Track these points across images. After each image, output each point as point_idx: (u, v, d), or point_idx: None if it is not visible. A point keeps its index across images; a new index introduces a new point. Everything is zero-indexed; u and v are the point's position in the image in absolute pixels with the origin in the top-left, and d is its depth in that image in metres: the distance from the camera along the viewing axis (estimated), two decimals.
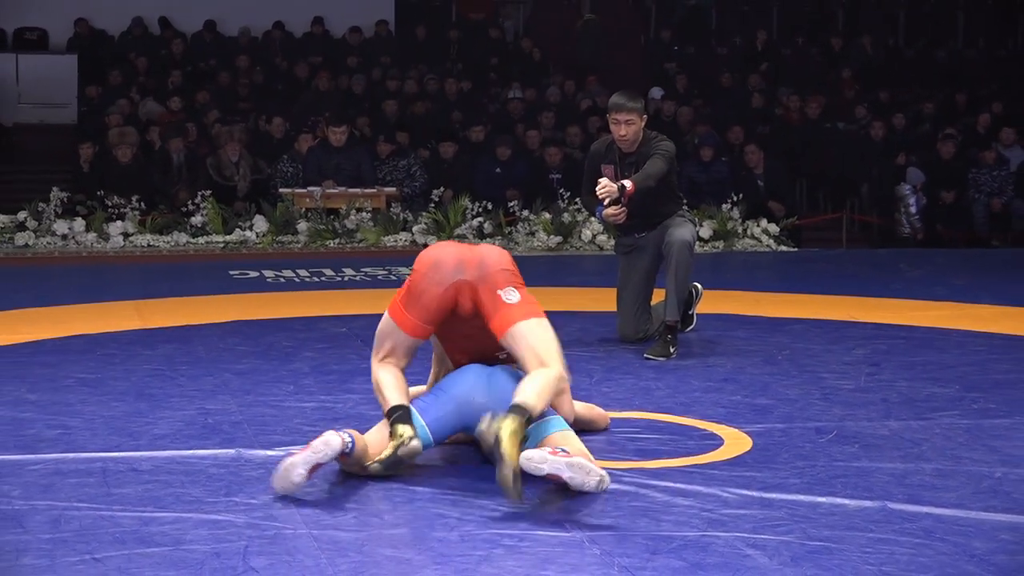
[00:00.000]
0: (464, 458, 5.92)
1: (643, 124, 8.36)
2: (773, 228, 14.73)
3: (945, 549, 4.82)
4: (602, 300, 10.22)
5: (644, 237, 8.52)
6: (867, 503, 5.31)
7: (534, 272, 12.15)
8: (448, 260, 5.88)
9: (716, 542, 4.86)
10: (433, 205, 14.73)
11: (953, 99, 20.21)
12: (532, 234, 14.40)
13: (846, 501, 5.34)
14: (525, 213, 14.59)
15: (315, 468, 5.32)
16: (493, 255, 5.98)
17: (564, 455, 5.21)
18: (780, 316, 9.52)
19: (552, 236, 14.27)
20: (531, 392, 5.41)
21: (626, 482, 5.54)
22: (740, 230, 14.61)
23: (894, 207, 16.41)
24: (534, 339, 5.68)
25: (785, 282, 11.66)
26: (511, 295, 5.81)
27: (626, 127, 8.27)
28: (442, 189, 14.98)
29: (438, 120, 17.95)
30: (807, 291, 10.78)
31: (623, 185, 8.01)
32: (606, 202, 8.23)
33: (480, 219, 14.53)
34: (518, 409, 5.30)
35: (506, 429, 5.19)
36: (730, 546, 4.82)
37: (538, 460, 5.17)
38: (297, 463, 5.27)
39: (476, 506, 5.23)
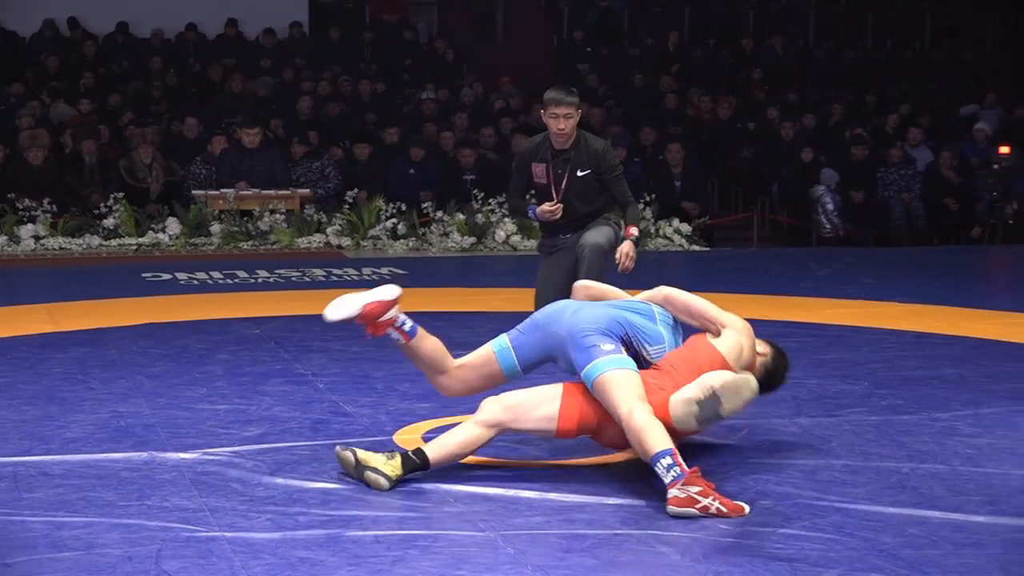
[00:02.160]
0: None
1: (579, 119, 8.37)
2: (685, 228, 14.82)
3: (854, 544, 4.88)
4: (516, 300, 10.24)
5: (568, 239, 8.55)
6: (778, 500, 5.37)
7: (448, 273, 12.17)
8: None
9: (629, 540, 4.89)
10: (347, 206, 14.70)
11: (863, 100, 20.40)
12: (446, 235, 14.41)
13: (757, 497, 5.39)
14: (439, 214, 14.59)
15: (374, 307, 5.81)
16: None
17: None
18: None
19: (466, 237, 14.28)
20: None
21: (539, 481, 5.57)
22: (653, 230, 14.68)
23: (812, 208, 16.53)
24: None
25: (697, 282, 11.71)
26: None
27: (564, 121, 8.23)
28: (356, 190, 14.96)
29: (352, 121, 17.91)
30: (718, 290, 10.84)
31: (630, 234, 8.31)
32: (543, 207, 8.29)
33: (394, 220, 14.52)
34: None
35: None
36: (643, 543, 4.86)
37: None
38: (353, 299, 5.79)
39: (390, 507, 5.24)
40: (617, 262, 8.21)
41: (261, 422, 6.55)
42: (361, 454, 5.59)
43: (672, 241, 14.66)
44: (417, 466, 5.60)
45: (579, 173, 8.30)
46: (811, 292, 10.85)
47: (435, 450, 5.66)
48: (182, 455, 5.93)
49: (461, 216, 14.50)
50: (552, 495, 5.40)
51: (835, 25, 23.64)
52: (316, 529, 4.97)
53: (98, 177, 15.58)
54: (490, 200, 14.55)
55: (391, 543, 4.83)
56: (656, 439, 5.33)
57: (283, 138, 16.78)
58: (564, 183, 8.28)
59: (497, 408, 5.73)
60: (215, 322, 9.42)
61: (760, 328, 9.03)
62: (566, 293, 8.63)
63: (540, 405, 5.73)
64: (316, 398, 7.09)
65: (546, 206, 8.31)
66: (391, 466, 5.54)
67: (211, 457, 5.91)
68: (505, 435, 6.31)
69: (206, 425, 6.48)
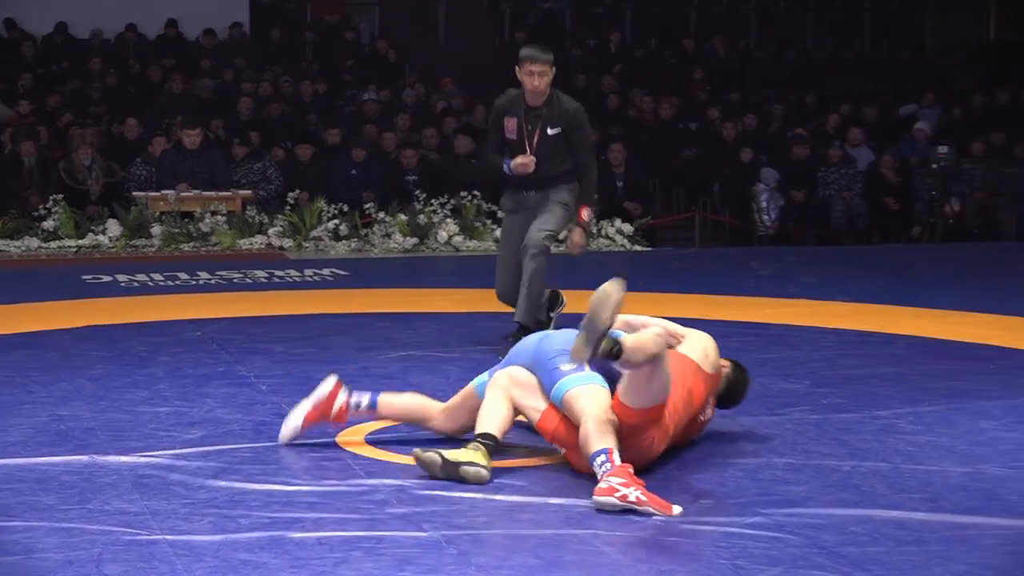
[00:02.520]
0: (321, 463, 5.91)
1: (552, 76, 8.54)
2: (627, 228, 14.85)
3: (796, 542, 4.91)
4: (459, 301, 10.25)
5: (531, 197, 8.60)
6: (719, 499, 5.39)
7: (390, 274, 12.16)
8: None
9: (571, 540, 4.90)
10: (289, 207, 14.65)
11: (803, 100, 20.50)
12: (388, 236, 14.38)
13: (699, 496, 5.41)
14: (381, 215, 14.57)
15: (314, 413, 6.02)
16: None
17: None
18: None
19: (408, 238, 14.26)
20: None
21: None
22: (595, 230, 14.71)
23: (749, 207, 16.61)
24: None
25: (639, 282, 11.73)
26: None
27: (539, 78, 8.45)
28: (298, 191, 14.91)
29: (294, 122, 17.86)
30: (660, 290, 10.88)
31: (583, 220, 8.55)
32: (516, 159, 8.45)
33: (336, 221, 14.48)
34: None
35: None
36: (586, 543, 4.86)
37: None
38: (294, 412, 5.98)
39: (333, 509, 5.23)
40: (567, 248, 8.27)
41: (203, 424, 6.52)
42: (448, 453, 5.58)
43: (614, 241, 14.69)
44: (494, 449, 5.66)
45: (549, 131, 8.47)
46: (753, 291, 10.89)
47: (494, 427, 5.72)
48: (123, 458, 5.90)
49: (403, 217, 14.48)
50: (495, 496, 5.40)
51: (776, 26, 23.75)
52: (258, 531, 4.95)
53: (37, 179, 15.47)
54: (432, 201, 14.54)
55: (334, 545, 4.82)
56: (596, 440, 5.37)
57: (224, 139, 16.71)
58: (536, 140, 8.45)
59: (507, 380, 5.85)
60: (156, 324, 9.37)
61: (702, 327, 9.08)
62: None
63: (537, 394, 5.80)
64: (259, 400, 7.06)
65: (520, 158, 8.45)
66: (481, 455, 5.58)
67: (152, 460, 5.88)
68: (447, 437, 6.32)
69: (147, 428, 6.45)
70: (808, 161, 17.10)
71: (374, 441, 6.24)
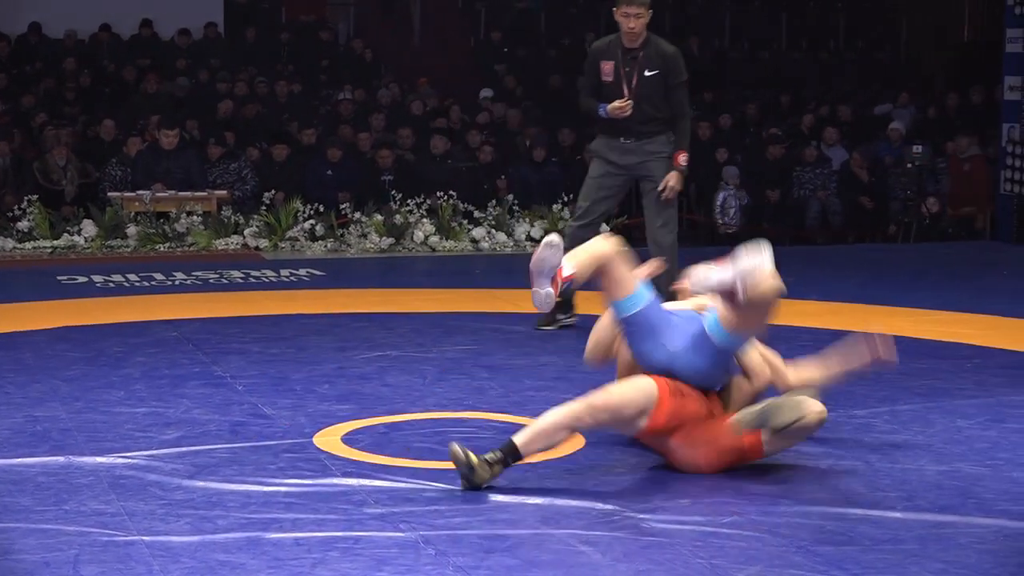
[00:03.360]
0: (298, 463, 5.91)
1: (648, 19, 8.76)
2: (604, 228, 14.85)
3: (773, 541, 4.92)
4: (435, 301, 10.25)
5: (627, 144, 8.81)
6: (697, 499, 5.40)
7: (366, 274, 12.15)
8: None
9: (549, 539, 4.91)
10: (264, 208, 14.62)
11: (777, 100, 20.53)
12: (364, 236, 14.36)
13: (677, 496, 5.42)
14: (357, 215, 14.55)
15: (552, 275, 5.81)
16: None
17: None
18: None
19: (384, 238, 14.24)
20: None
21: (460, 483, 5.56)
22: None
23: (712, 205, 16.60)
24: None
25: None
26: None
27: (635, 20, 8.68)
28: (273, 192, 14.88)
29: (269, 122, 17.82)
30: None
31: (679, 164, 8.74)
32: (614, 104, 8.67)
33: (312, 221, 14.46)
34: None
35: None
36: (563, 543, 4.87)
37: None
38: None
39: (310, 509, 5.23)
40: (660, 189, 8.69)
41: (179, 425, 6.52)
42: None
43: None
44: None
45: (647, 73, 8.70)
46: None
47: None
48: (100, 459, 5.89)
49: (379, 217, 14.46)
50: (473, 495, 5.40)
51: (750, 26, 23.77)
52: (236, 532, 4.95)
53: (12, 179, 15.42)
54: (408, 201, 14.53)
55: (311, 545, 4.82)
56: None
57: (199, 139, 16.67)
58: (634, 81, 8.70)
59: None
60: (132, 325, 9.35)
61: None
62: (605, 214, 9.13)
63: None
64: (235, 400, 7.05)
65: (617, 103, 8.68)
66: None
67: (129, 461, 5.87)
68: (426, 438, 6.33)
69: (124, 429, 6.43)
70: (783, 161, 17.12)
71: (350, 441, 6.24)
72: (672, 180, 8.80)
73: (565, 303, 9.00)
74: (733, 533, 4.98)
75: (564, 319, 9.09)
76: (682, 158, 8.78)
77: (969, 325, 9.42)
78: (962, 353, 8.39)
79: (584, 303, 8.93)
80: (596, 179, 9.06)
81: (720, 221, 16.32)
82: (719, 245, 15.95)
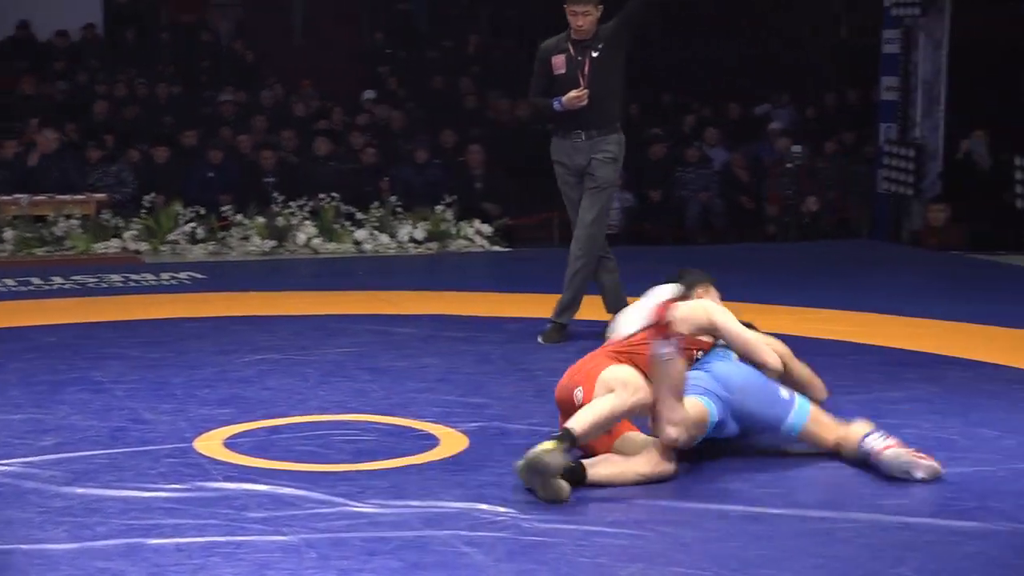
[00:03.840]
0: (179, 468, 5.86)
1: (599, 16, 8.82)
2: (486, 229, 14.87)
3: (656, 539, 4.96)
4: (318, 303, 10.21)
5: (581, 143, 8.85)
6: (580, 496, 5.42)
7: (249, 277, 12.06)
8: None
9: (433, 541, 4.91)
10: (145, 211, 14.48)
11: (659, 100, 20.66)
12: (246, 238, 14.26)
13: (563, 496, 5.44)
14: (239, 217, 14.45)
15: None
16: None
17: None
18: (494, 315, 9.63)
19: (266, 240, 14.16)
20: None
21: (344, 484, 5.55)
22: (454, 231, 14.71)
23: None
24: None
25: (498, 282, 11.79)
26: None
27: (583, 18, 8.78)
28: (154, 194, 14.73)
29: (149, 124, 17.64)
30: (520, 290, 10.92)
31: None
32: (569, 94, 8.68)
33: (193, 224, 14.34)
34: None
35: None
36: (447, 544, 4.87)
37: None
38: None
39: (192, 514, 5.18)
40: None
41: (58, 431, 6.44)
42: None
43: (473, 242, 14.70)
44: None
45: (594, 54, 8.76)
46: None
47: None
48: None
49: (261, 219, 14.37)
50: (356, 498, 5.39)
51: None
52: (116, 539, 4.90)
53: None
54: (291, 203, 14.45)
55: (193, 551, 4.78)
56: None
57: (78, 142, 16.47)
58: (587, 67, 8.76)
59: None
60: (9, 331, 9.22)
61: None
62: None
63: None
64: (114, 406, 6.97)
65: (572, 92, 8.70)
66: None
67: (6, 468, 5.79)
68: (310, 440, 6.30)
69: (0, 436, 6.34)
70: (664, 160, 17.23)
71: (232, 445, 6.20)
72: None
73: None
74: (617, 531, 5.01)
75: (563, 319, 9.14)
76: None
77: (847, 323, 9.54)
78: (840, 350, 8.49)
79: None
80: (563, 191, 9.23)
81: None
82: (614, 246, 16.05)
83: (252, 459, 5.97)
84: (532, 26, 23.25)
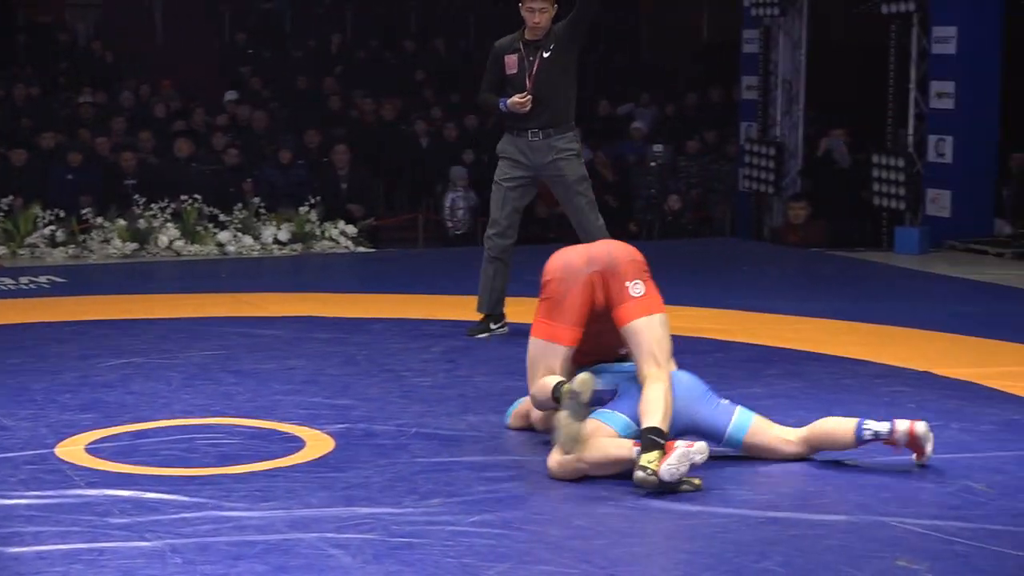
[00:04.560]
0: (38, 474, 5.77)
1: (553, 14, 8.75)
2: (351, 229, 14.83)
3: (523, 538, 4.97)
4: (181, 306, 10.11)
5: (536, 142, 8.79)
6: (448, 498, 5.42)
7: (110, 280, 11.92)
8: (577, 258, 6.06)
9: (300, 544, 4.88)
10: (2, 214, 14.27)
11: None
12: (107, 241, 14.11)
13: (428, 496, 5.43)
14: (99, 220, 14.28)
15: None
16: (620, 248, 6.20)
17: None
18: (359, 316, 9.59)
19: (128, 243, 14.01)
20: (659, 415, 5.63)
21: (209, 487, 5.50)
22: (318, 232, 14.66)
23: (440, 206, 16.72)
24: (650, 336, 5.95)
25: (363, 283, 11.76)
26: (637, 288, 6.04)
27: (540, 15, 8.71)
28: (12, 197, 14.52)
29: (6, 126, 17.39)
30: (385, 291, 10.89)
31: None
32: (513, 98, 8.69)
33: (52, 227, 14.15)
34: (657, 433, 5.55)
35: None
36: (314, 547, 4.85)
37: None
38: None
39: (53, 521, 5.11)
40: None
41: None
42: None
43: (338, 243, 14.66)
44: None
45: (545, 54, 8.72)
46: (476, 290, 10.92)
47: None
48: None
49: (122, 222, 14.21)
50: (221, 502, 5.34)
51: (496, 27, 23.96)
52: None
53: None
54: (152, 205, 14.30)
55: (54, 559, 4.71)
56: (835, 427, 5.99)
57: None
58: (535, 68, 8.71)
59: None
60: None
61: (426, 328, 9.15)
62: (516, 218, 9.15)
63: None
64: None
65: (516, 97, 8.68)
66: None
67: None
68: (173, 443, 6.23)
69: None
70: None
71: (94, 451, 6.12)
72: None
73: (497, 313, 9.08)
74: (483, 531, 5.01)
75: (496, 328, 9.06)
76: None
77: (709, 320, 9.62)
78: (703, 348, 8.55)
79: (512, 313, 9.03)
80: (500, 183, 9.02)
81: (449, 223, 16.43)
82: (450, 246, 16.08)
83: (115, 464, 5.89)
84: (397, 24, 23.30)
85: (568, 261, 6.10)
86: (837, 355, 8.40)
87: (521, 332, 9.03)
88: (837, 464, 5.94)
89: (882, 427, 5.75)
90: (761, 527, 5.14)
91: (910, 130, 14.34)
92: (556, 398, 5.75)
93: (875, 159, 14.61)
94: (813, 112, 17.14)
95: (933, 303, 10.79)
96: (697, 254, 13.98)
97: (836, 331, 9.28)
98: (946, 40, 13.94)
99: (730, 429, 5.91)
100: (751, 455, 5.97)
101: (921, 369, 7.91)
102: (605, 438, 5.70)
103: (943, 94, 14.03)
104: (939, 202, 14.17)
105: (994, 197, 14.62)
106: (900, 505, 5.40)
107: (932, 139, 14.16)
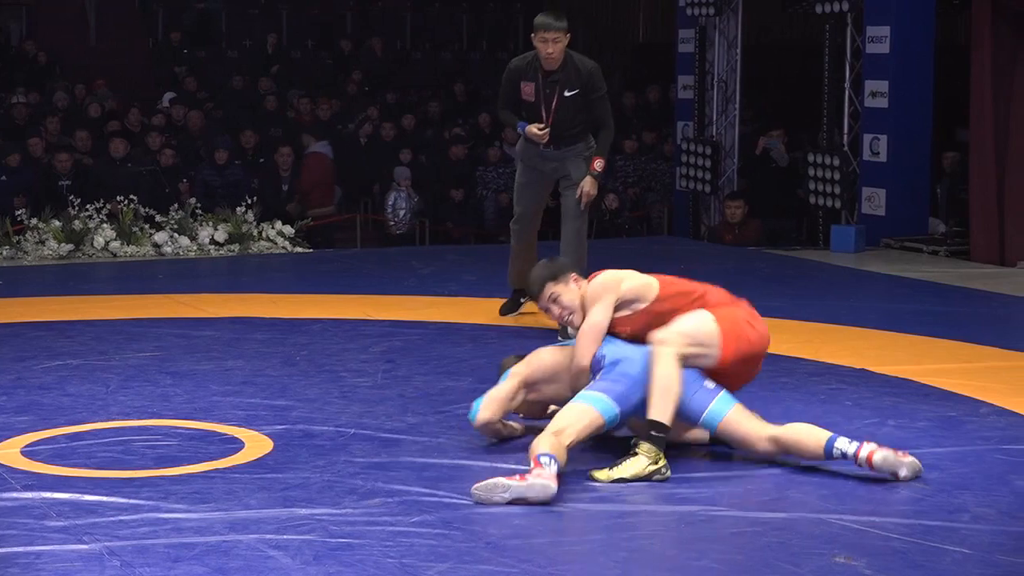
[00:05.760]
0: None
1: (567, 43, 8.80)
2: (288, 230, 14.77)
3: (462, 538, 4.97)
4: (117, 307, 10.04)
5: (549, 152, 8.95)
6: (387, 498, 5.41)
7: (46, 281, 11.83)
8: None
9: (239, 546, 4.86)
10: None
11: (454, 98, 20.74)
12: (42, 243, 13.98)
13: (367, 496, 5.42)
14: (34, 221, 14.16)
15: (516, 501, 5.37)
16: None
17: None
18: (297, 317, 9.56)
19: (63, 244, 13.89)
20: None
21: (147, 489, 5.47)
22: (255, 233, 14.58)
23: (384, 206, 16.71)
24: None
25: (301, 283, 11.71)
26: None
27: (553, 45, 8.70)
28: None
29: None
30: (323, 291, 10.85)
31: (594, 169, 8.89)
32: (532, 128, 8.82)
33: None
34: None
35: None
36: (253, 549, 4.83)
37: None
38: (505, 489, 5.37)
39: None
40: (577, 197, 8.92)
41: None
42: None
43: (275, 243, 14.60)
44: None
45: (567, 93, 8.81)
46: (415, 290, 10.94)
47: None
48: None
49: (57, 223, 14.10)
50: (159, 504, 5.31)
51: (431, 27, 23.97)
52: None
53: None
54: (88, 206, 14.19)
55: None
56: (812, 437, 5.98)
57: None
58: (554, 103, 8.79)
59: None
60: None
61: (365, 328, 9.14)
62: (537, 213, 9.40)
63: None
64: None
65: (534, 128, 8.82)
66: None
67: None
68: (110, 447, 6.19)
69: None
70: (465, 160, 17.28)
71: (30, 454, 6.07)
72: (587, 186, 8.94)
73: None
74: (423, 531, 5.01)
75: (524, 302, 9.39)
76: (598, 164, 8.93)
77: None
78: None
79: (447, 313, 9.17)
80: (523, 185, 9.28)
81: (391, 222, 16.41)
82: (393, 245, 16.07)
83: (52, 467, 5.85)
84: (333, 24, 23.25)
85: None
86: (773, 353, 8.41)
87: (455, 331, 9.05)
88: (774, 462, 5.96)
89: (850, 448, 5.75)
90: (701, 525, 5.16)
91: (845, 129, 14.43)
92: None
93: (811, 158, 14.68)
94: (750, 112, 17.22)
95: (869, 301, 10.87)
96: (634, 253, 13.98)
97: (772, 329, 9.21)
98: (880, 40, 14.02)
99: (706, 414, 5.95)
100: (723, 440, 6.02)
101: (857, 367, 7.96)
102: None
103: (877, 93, 14.11)
104: (874, 201, 14.25)
105: (929, 196, 14.72)
106: (838, 502, 5.44)
107: (867, 138, 14.24)
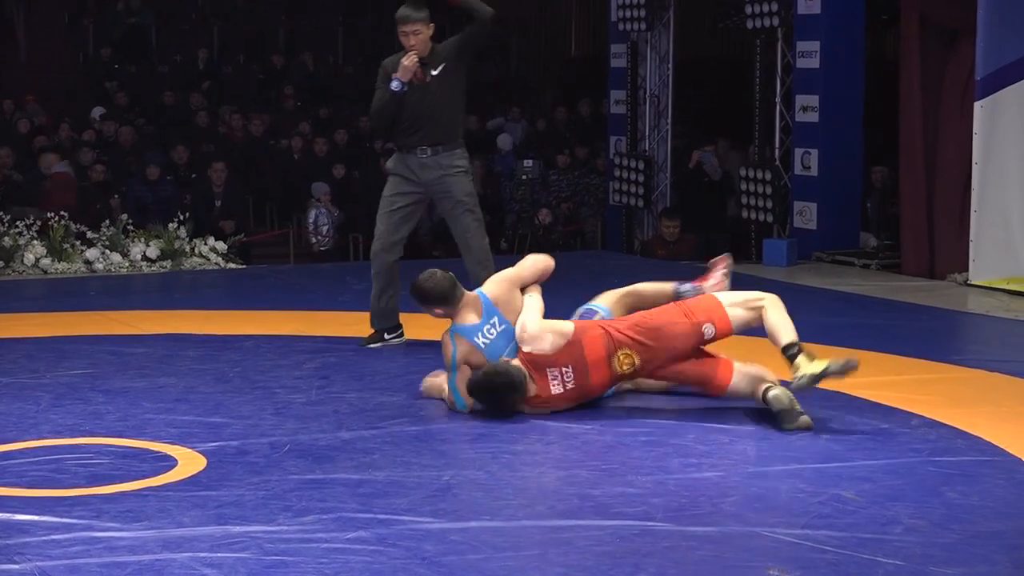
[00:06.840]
0: None
1: (431, 34, 8.70)
2: (221, 246, 14.70)
3: (398, 554, 4.96)
4: (48, 325, 9.97)
5: (425, 159, 8.77)
6: (322, 515, 5.39)
7: None
8: None
9: (172, 564, 4.83)
10: None
11: None
12: None
13: (301, 514, 5.40)
14: None
15: None
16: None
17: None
18: (230, 333, 9.51)
19: None
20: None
21: (79, 508, 5.43)
22: (188, 249, 14.51)
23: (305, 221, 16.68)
24: None
25: (234, 299, 11.66)
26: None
27: (414, 37, 8.63)
28: None
29: None
30: (257, 307, 10.81)
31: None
32: (403, 62, 8.68)
33: None
34: None
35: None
36: (186, 567, 4.80)
37: None
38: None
39: None
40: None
41: None
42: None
43: (208, 259, 14.52)
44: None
45: (434, 72, 8.70)
46: (349, 306, 10.90)
47: None
48: None
49: None
50: (91, 523, 5.27)
51: (364, 41, 23.94)
52: None
53: None
54: (17, 223, 14.07)
55: None
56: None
57: None
58: (426, 81, 8.71)
59: None
60: None
61: (298, 344, 9.10)
62: (404, 235, 9.00)
63: None
64: None
65: (404, 60, 8.65)
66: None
67: None
68: (44, 463, 6.14)
69: None
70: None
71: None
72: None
73: (393, 325, 9.03)
74: (359, 548, 4.99)
75: (391, 338, 9.02)
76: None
77: None
78: None
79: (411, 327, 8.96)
80: (389, 198, 8.96)
81: (314, 239, 16.38)
82: (320, 261, 16.03)
83: None
84: (264, 39, 23.18)
85: None
86: None
87: (389, 347, 9.03)
88: (711, 475, 5.99)
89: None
90: (635, 539, 5.17)
91: (776, 143, 14.52)
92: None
93: (742, 172, 14.76)
94: (682, 126, 17.30)
95: (801, 314, 10.82)
96: (567, 268, 13.96)
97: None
98: (810, 55, 14.11)
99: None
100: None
101: (790, 379, 7.98)
102: None
103: (808, 108, 14.20)
104: (806, 215, 14.34)
105: (860, 210, 14.82)
106: (771, 515, 5.47)
107: (798, 152, 14.33)
